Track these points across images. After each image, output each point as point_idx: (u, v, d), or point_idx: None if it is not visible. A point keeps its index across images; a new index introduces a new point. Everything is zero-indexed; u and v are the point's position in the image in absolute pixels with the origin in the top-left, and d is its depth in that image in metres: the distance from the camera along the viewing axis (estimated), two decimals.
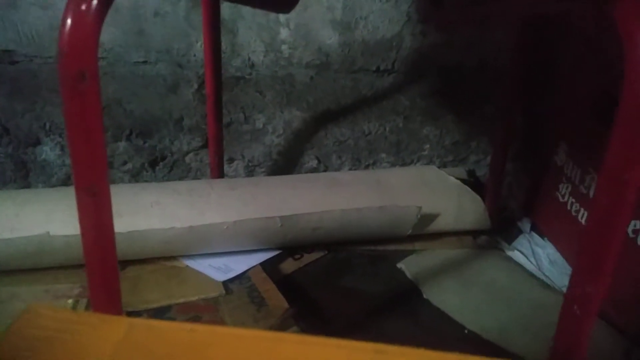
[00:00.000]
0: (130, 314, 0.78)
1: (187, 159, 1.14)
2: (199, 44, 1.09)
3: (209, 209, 0.87)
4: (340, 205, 0.91)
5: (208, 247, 0.87)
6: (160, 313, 0.78)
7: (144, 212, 0.85)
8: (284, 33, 1.11)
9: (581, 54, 0.96)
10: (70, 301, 0.78)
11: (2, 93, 1.06)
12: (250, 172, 1.16)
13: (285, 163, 1.16)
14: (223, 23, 1.09)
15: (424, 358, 0.31)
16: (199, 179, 1.16)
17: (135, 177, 1.13)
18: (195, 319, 0.77)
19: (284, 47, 1.12)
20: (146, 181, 1.14)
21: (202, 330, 0.32)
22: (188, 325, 0.33)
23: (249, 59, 1.12)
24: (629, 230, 0.78)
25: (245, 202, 0.89)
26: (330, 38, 1.12)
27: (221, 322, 0.77)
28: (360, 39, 1.13)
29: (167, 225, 0.83)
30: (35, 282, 0.82)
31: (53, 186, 1.13)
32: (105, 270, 0.47)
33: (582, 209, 0.92)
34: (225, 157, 1.12)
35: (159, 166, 1.14)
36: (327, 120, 1.15)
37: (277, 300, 0.81)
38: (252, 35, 1.11)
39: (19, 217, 0.81)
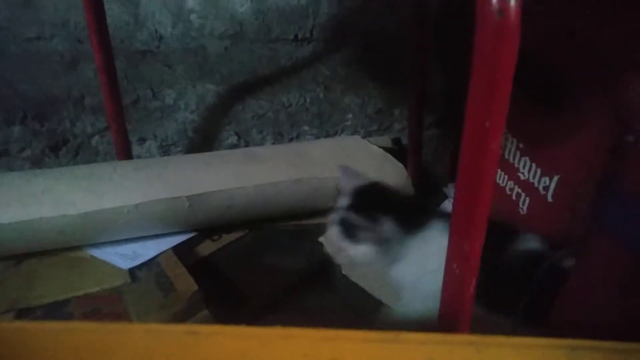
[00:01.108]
0: (21, 311, 0.71)
1: (92, 141, 1.05)
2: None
3: (109, 192, 0.80)
4: (256, 181, 0.87)
5: (109, 234, 0.81)
6: (57, 308, 0.72)
7: (34, 201, 0.77)
8: (191, 1, 1.04)
9: None
10: None
11: None
12: (164, 152, 1.09)
13: (203, 141, 1.10)
14: None
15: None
16: (101, 162, 1.08)
17: (37, 164, 1.04)
18: (96, 312, 0.71)
19: (192, 16, 1.05)
20: (49, 167, 1.05)
21: (82, 328, 0.27)
22: (69, 324, 0.28)
23: (156, 30, 1.04)
24: (540, 187, 0.79)
25: (150, 183, 0.83)
26: (242, 5, 1.06)
27: (124, 312, 0.71)
28: (274, 6, 1.07)
29: (59, 212, 0.76)
30: None
31: None
32: None
33: (501, 173, 0.92)
34: (136, 137, 1.05)
35: (62, 151, 1.05)
36: (244, 93, 1.09)
37: (187, 284, 0.76)
38: (157, 4, 1.03)
39: None
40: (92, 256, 0.83)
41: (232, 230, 0.91)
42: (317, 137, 1.14)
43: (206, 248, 0.88)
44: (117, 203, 0.79)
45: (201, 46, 1.07)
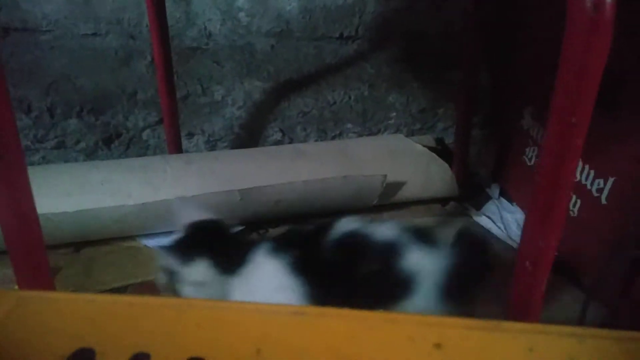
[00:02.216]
0: None
1: (144, 135, 1.09)
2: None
3: (164, 185, 0.83)
4: (303, 177, 0.88)
5: (164, 224, 0.83)
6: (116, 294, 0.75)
7: (94, 191, 0.80)
8: (240, 0, 1.06)
9: (546, 13, 0.93)
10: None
11: None
12: (211, 147, 1.12)
13: (248, 136, 1.12)
14: None
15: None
16: (152, 155, 1.11)
17: (90, 156, 1.08)
18: None
19: (241, 14, 1.07)
20: (102, 160, 1.09)
21: (101, 300, 0.29)
22: (88, 296, 0.30)
23: (205, 28, 1.07)
24: (593, 189, 0.77)
25: (203, 177, 0.86)
26: (290, 4, 1.07)
27: None
28: (321, 5, 1.08)
29: (119, 202, 0.79)
30: None
31: None
32: (27, 243, 0.43)
33: None
34: (184, 132, 1.07)
35: (114, 144, 1.08)
36: (289, 90, 1.11)
37: None
38: (207, 2, 1.05)
39: None
40: (145, 246, 0.85)
41: (277, 225, 0.93)
42: (360, 135, 1.15)
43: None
44: (172, 195, 0.81)
45: (248, 44, 1.08)
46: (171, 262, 0.59)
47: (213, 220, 0.63)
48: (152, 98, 1.05)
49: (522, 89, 1.01)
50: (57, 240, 0.80)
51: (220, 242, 0.61)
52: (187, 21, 1.05)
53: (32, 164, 1.07)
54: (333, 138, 1.15)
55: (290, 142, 1.13)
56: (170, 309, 0.28)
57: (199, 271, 0.58)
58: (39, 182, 0.80)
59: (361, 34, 1.10)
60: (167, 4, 1.04)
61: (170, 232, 0.86)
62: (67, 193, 0.79)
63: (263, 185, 0.84)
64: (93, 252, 0.83)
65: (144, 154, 1.10)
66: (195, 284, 0.58)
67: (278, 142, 1.13)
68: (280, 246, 0.60)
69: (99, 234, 0.82)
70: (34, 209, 0.43)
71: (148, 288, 0.76)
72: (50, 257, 0.44)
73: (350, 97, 1.12)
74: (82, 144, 1.06)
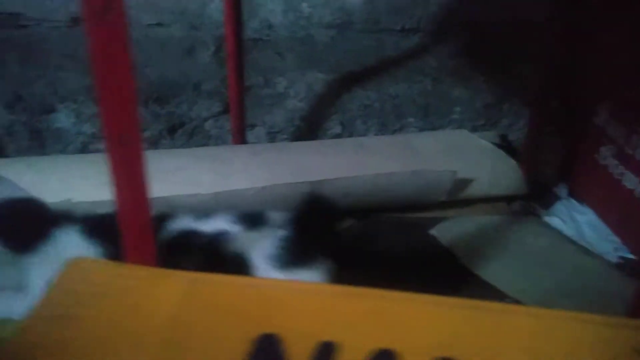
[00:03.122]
0: None
1: (206, 125, 1.09)
2: (213, 4, 1.03)
3: (234, 175, 0.83)
4: (370, 171, 0.87)
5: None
6: None
7: (167, 178, 0.81)
8: None
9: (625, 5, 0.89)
10: None
11: (13, 59, 1.02)
12: (271, 138, 1.12)
13: (308, 129, 1.11)
14: None
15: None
16: (218, 145, 1.11)
17: (154, 144, 1.09)
18: None
19: (303, 5, 1.06)
20: (165, 149, 1.10)
21: (265, 284, 0.29)
22: (252, 280, 0.30)
23: (267, 19, 1.06)
24: None
25: (270, 168, 0.85)
26: None
27: None
28: None
29: (192, 191, 0.79)
30: None
31: (69, 154, 1.09)
32: (140, 223, 0.44)
33: (627, 172, 0.87)
34: (246, 123, 1.07)
35: (177, 133, 1.09)
36: (351, 82, 1.10)
37: None
38: None
39: (37, 185, 0.78)
40: None
41: (342, 219, 0.92)
42: (422, 130, 1.12)
43: None
44: (244, 185, 0.81)
45: (309, 35, 1.08)
46: None
47: (23, 199, 0.60)
48: (215, 88, 1.06)
49: (596, 83, 0.97)
50: None
51: (14, 220, 0.57)
52: (249, 13, 1.05)
53: (97, 151, 1.10)
54: (394, 132, 1.13)
55: (349, 136, 1.12)
56: (357, 297, 0.28)
57: None
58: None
59: (424, 26, 1.08)
60: None
61: None
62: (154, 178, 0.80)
63: (332, 178, 0.83)
64: None
65: (206, 144, 1.11)
66: None
67: (337, 135, 1.12)
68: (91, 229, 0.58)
69: None
70: (148, 192, 0.44)
71: None
72: None
73: (412, 91, 1.10)
74: (147, 133, 1.08)
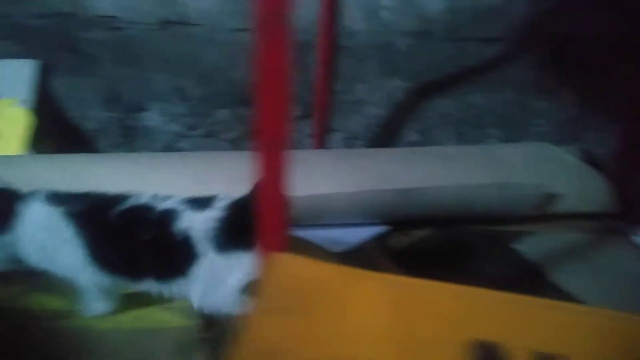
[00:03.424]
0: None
1: None
2: (299, 9, 1.06)
3: (319, 179, 0.85)
4: (453, 181, 0.87)
5: (319, 218, 0.86)
6: None
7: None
8: None
9: None
10: None
11: (108, 59, 1.07)
12: (349, 144, 1.13)
13: (385, 136, 1.12)
14: None
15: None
16: (296, 149, 1.14)
17: (236, 146, 1.13)
18: None
19: (385, 13, 1.07)
20: (245, 150, 1.13)
21: (470, 292, 0.30)
22: (454, 287, 0.31)
23: (348, 26, 1.08)
24: None
25: (356, 174, 0.87)
26: (435, 3, 1.05)
27: None
28: (468, 5, 1.05)
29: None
30: None
31: (156, 151, 1.14)
32: (279, 217, 0.47)
33: None
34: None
35: None
36: (430, 91, 1.09)
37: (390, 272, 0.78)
38: (352, 0, 1.06)
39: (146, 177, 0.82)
40: (297, 237, 0.88)
41: (422, 227, 0.92)
42: (502, 141, 1.11)
43: (398, 242, 0.89)
44: (329, 190, 0.83)
45: (389, 42, 1.08)
46: None
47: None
48: (297, 93, 1.08)
49: None
50: None
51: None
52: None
53: (180, 149, 1.14)
54: (472, 142, 1.12)
55: (426, 144, 1.12)
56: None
57: None
58: (214, 168, 0.85)
59: (506, 35, 1.07)
60: (310, 1, 1.06)
61: (323, 226, 0.88)
62: (234, 181, 0.83)
63: (421, 186, 0.84)
64: None
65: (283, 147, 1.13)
66: None
67: (414, 143, 1.13)
68: (51, 198, 0.66)
69: None
70: (289, 191, 0.47)
71: None
72: None
73: (493, 101, 1.09)
74: (230, 134, 1.12)
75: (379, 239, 0.88)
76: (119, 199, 0.65)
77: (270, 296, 0.32)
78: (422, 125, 1.12)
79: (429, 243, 0.89)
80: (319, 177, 0.86)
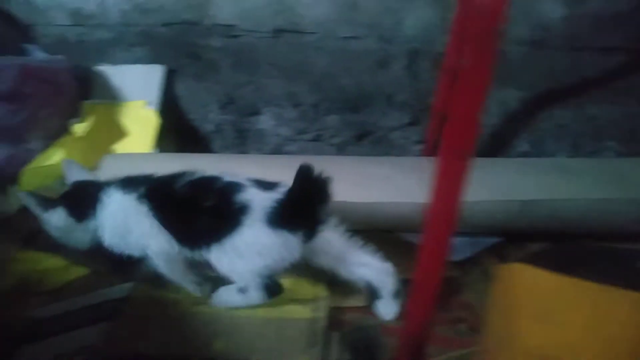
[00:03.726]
0: None
1: (392, 135, 1.13)
2: (408, 20, 1.07)
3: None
4: (572, 194, 0.84)
5: None
6: (402, 286, 0.79)
7: (378, 185, 0.85)
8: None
9: None
10: None
11: (226, 65, 1.14)
12: None
13: (494, 145, 1.10)
14: None
15: None
16: (401, 156, 1.14)
17: (341, 151, 1.16)
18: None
19: None
20: (349, 155, 1.16)
21: None
22: None
23: None
24: None
25: (475, 183, 0.86)
26: (554, 11, 1.03)
27: (466, 301, 0.75)
28: (591, 13, 1.01)
29: (402, 199, 0.83)
30: None
31: (264, 153, 1.19)
32: (450, 227, 0.48)
33: None
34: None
35: (363, 141, 1.15)
36: (545, 101, 1.06)
37: None
38: None
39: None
40: (411, 242, 0.88)
41: (539, 240, 0.89)
42: (621, 155, 1.06)
43: (515, 254, 0.87)
44: None
45: (501, 51, 1.06)
46: (36, 208, 0.74)
47: (88, 181, 0.78)
48: (407, 101, 1.09)
49: None
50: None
51: (79, 196, 0.75)
52: (442, 28, 1.07)
53: (288, 152, 1.19)
54: (588, 155, 1.07)
55: (537, 155, 1.09)
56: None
57: (57, 217, 0.74)
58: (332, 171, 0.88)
59: (630, 45, 1.01)
60: (425, 10, 1.06)
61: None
62: (355, 183, 0.85)
63: (543, 198, 0.82)
64: (365, 239, 0.87)
65: (389, 153, 1.14)
66: (57, 228, 0.75)
67: (524, 154, 1.10)
68: (124, 185, 0.73)
69: (377, 225, 0.87)
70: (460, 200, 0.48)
71: None
72: None
73: (615, 113, 1.04)
74: (336, 139, 1.15)
75: (492, 250, 0.87)
76: (186, 174, 0.72)
77: (522, 304, 0.33)
78: (535, 136, 1.08)
79: (545, 258, 0.86)
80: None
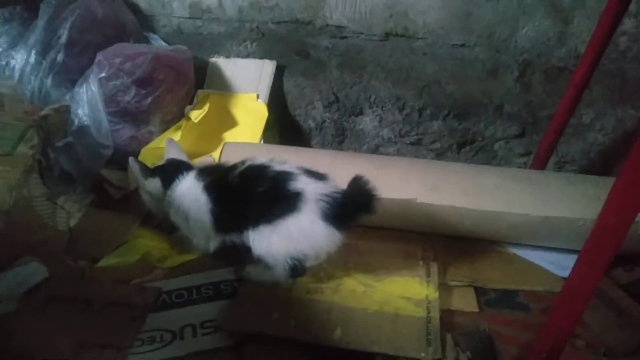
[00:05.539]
0: (476, 290, 0.80)
1: (495, 145, 1.13)
2: (523, 30, 1.06)
3: (554, 201, 0.84)
4: None
5: (553, 240, 0.85)
6: (509, 296, 0.79)
7: (489, 194, 0.86)
8: (626, 23, 1.01)
9: None
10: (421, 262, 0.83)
11: (335, 65, 1.18)
12: (559, 168, 1.11)
13: (602, 164, 1.07)
14: (558, 9, 1.03)
15: None
16: (503, 167, 1.14)
17: (439, 156, 1.16)
18: (546, 311, 0.76)
19: (622, 38, 1.02)
20: (449, 161, 1.16)
21: None
22: None
23: (575, 49, 1.05)
24: None
25: (582, 200, 0.84)
26: None
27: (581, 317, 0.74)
28: None
29: (513, 210, 0.83)
30: (391, 240, 0.89)
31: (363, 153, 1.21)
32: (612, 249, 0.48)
33: None
34: (533, 148, 1.08)
35: (465, 149, 1.15)
36: None
37: (635, 309, 0.75)
38: (587, 24, 1.03)
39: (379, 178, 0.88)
40: (516, 255, 0.88)
41: None
42: None
43: (619, 276, 0.85)
44: (567, 214, 0.82)
45: (621, 69, 1.04)
46: (139, 173, 0.84)
47: (181, 160, 0.87)
48: (515, 112, 1.08)
49: None
50: (440, 230, 0.88)
51: (169, 170, 0.83)
52: (558, 41, 1.05)
53: (385, 154, 1.21)
54: None
55: None
56: None
57: (153, 185, 0.83)
58: (439, 176, 0.89)
59: None
60: (543, 21, 1.05)
61: (550, 249, 0.88)
62: (466, 192, 0.86)
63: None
64: (472, 248, 0.88)
65: (488, 163, 1.14)
66: (149, 193, 0.84)
67: None
68: (201, 173, 0.81)
69: (487, 235, 0.88)
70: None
71: (541, 298, 0.78)
72: None
73: None
74: (436, 145, 1.16)
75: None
76: (244, 162, 0.77)
77: None
78: None
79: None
80: (550, 198, 0.85)
